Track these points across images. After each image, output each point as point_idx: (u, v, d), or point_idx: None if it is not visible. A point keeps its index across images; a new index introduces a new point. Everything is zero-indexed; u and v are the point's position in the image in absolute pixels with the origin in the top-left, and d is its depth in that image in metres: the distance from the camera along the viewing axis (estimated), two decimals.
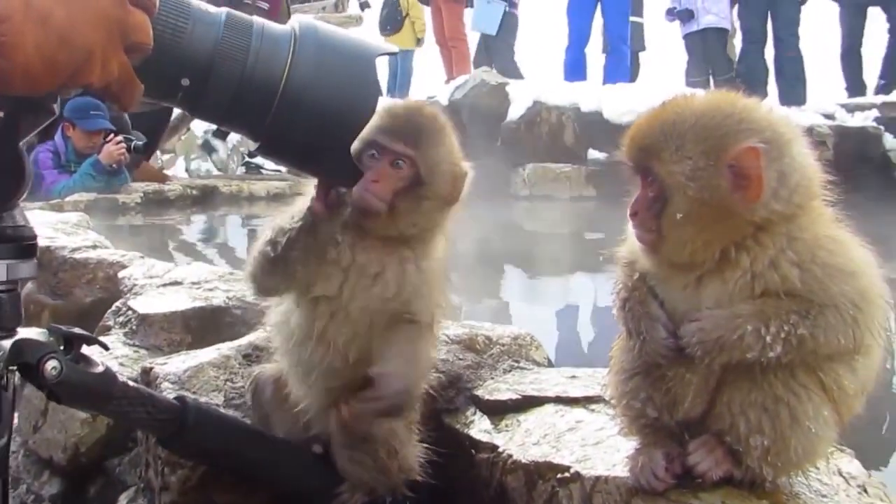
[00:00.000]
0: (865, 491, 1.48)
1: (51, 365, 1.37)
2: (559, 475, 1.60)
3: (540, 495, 1.63)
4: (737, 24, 11.28)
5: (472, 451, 1.85)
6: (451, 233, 1.77)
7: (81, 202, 6.11)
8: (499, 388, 2.01)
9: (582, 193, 8.75)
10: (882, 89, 9.92)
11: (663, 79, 12.41)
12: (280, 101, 1.27)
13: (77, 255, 3.27)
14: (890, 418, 2.81)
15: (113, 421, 2.23)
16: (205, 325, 2.54)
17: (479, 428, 1.90)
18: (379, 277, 1.66)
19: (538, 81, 10.55)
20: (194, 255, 5.88)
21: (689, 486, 1.41)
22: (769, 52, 10.68)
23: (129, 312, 2.66)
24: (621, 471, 1.50)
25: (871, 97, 9.81)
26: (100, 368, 1.49)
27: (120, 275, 3.06)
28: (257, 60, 1.26)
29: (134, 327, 2.59)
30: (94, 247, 3.42)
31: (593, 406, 1.84)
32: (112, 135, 6.92)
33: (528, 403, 1.92)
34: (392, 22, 14.57)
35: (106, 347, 1.52)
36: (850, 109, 9.21)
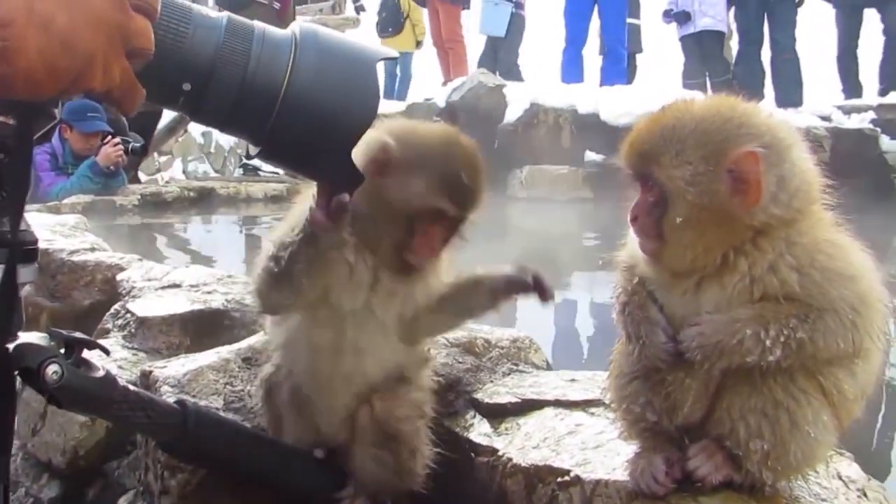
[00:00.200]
0: (865, 495, 1.48)
1: (52, 369, 1.37)
2: (559, 479, 1.60)
3: (540, 499, 1.63)
4: (733, 27, 11.30)
5: (472, 454, 1.85)
6: None
7: (79, 204, 6.10)
8: (498, 391, 2.01)
9: (579, 195, 8.74)
10: (881, 94, 9.94)
11: (660, 81, 12.44)
12: (281, 106, 1.27)
13: (75, 258, 3.26)
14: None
15: (112, 424, 2.22)
16: (203, 328, 2.54)
17: (479, 431, 1.90)
18: (408, 296, 1.73)
19: (535, 83, 10.57)
20: (192, 256, 5.87)
21: (689, 491, 1.42)
22: (766, 54, 10.71)
23: (128, 315, 2.65)
24: (621, 475, 1.51)
25: (867, 99, 9.85)
26: (100, 373, 1.49)
27: (118, 277, 3.06)
28: (258, 65, 1.26)
29: (132, 330, 2.59)
30: (93, 249, 3.41)
31: (593, 409, 1.84)
32: (109, 137, 6.90)
33: (527, 407, 1.93)
34: (394, 24, 14.56)
35: (107, 352, 1.51)
36: (847, 111, 9.26)
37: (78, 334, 1.45)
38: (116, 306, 2.75)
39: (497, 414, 1.94)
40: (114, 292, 3.01)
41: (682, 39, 11.21)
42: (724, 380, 1.40)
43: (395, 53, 1.59)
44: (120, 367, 2.36)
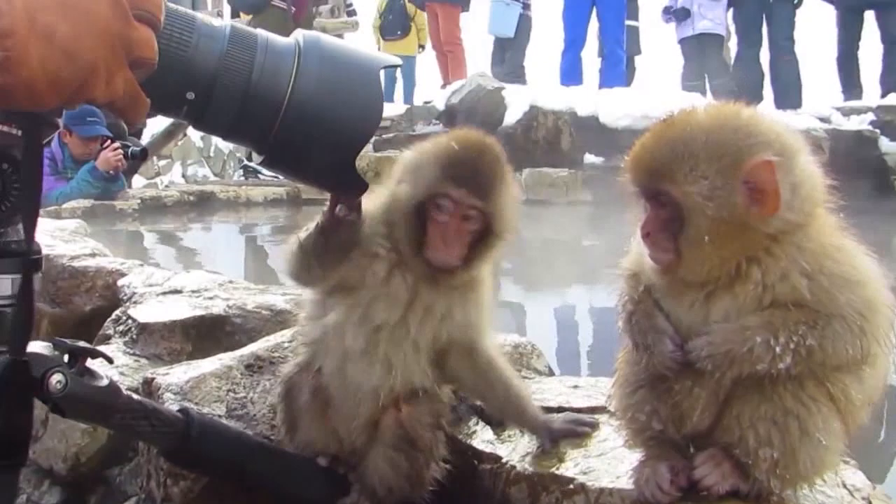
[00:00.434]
0: (870, 503, 1.48)
1: (56, 378, 1.37)
2: (563, 487, 1.59)
3: None
4: (732, 28, 11.31)
5: (475, 461, 1.84)
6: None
7: (79, 209, 6.10)
8: None
9: (578, 198, 8.73)
10: (881, 97, 9.95)
11: (659, 83, 12.45)
12: (285, 114, 1.27)
13: (76, 264, 3.24)
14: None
15: (115, 433, 2.22)
16: (204, 334, 2.53)
17: (482, 438, 1.89)
18: (446, 317, 1.73)
19: (534, 86, 10.56)
20: (193, 261, 5.86)
21: (694, 500, 1.41)
22: (764, 56, 10.71)
23: (129, 321, 2.64)
24: (626, 483, 1.50)
25: (866, 100, 9.85)
26: (104, 382, 1.49)
27: (119, 283, 3.04)
28: (262, 74, 1.26)
29: (134, 336, 2.58)
30: (93, 255, 3.40)
31: (597, 417, 1.83)
32: (109, 141, 6.90)
33: None
34: (402, 27, 14.58)
35: (110, 360, 1.51)
36: (846, 113, 9.26)
37: (81, 343, 1.46)
38: (118, 312, 2.74)
39: (500, 420, 1.93)
40: (115, 298, 3.00)
41: (681, 42, 11.21)
42: (732, 388, 1.39)
43: (397, 61, 1.59)
44: (122, 373, 2.36)
